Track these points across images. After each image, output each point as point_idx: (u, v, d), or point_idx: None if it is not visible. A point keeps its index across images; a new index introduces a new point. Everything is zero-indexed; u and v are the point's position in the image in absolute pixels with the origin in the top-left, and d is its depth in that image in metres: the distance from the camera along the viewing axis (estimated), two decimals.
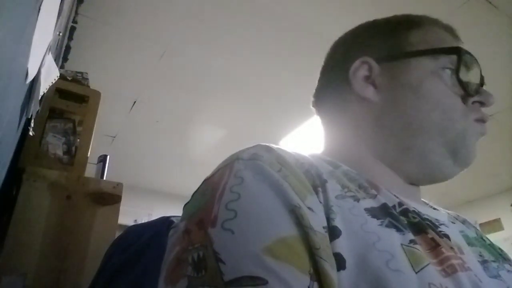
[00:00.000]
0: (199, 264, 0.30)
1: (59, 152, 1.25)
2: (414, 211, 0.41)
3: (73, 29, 2.05)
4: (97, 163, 1.39)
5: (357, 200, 0.38)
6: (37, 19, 0.77)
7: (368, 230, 0.34)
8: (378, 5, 1.96)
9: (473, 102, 0.47)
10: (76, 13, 1.99)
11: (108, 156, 1.41)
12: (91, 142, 1.31)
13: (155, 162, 3.66)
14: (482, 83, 0.49)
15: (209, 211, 0.33)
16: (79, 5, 1.95)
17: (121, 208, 1.18)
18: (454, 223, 0.48)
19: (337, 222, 0.34)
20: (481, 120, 0.48)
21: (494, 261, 0.43)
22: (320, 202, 0.35)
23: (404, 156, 0.47)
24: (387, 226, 0.36)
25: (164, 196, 4.23)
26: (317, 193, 0.36)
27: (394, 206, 0.40)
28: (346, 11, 2.05)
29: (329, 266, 0.30)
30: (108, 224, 1.14)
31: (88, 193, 1.15)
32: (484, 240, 0.49)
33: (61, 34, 1.50)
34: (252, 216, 0.31)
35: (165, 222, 0.68)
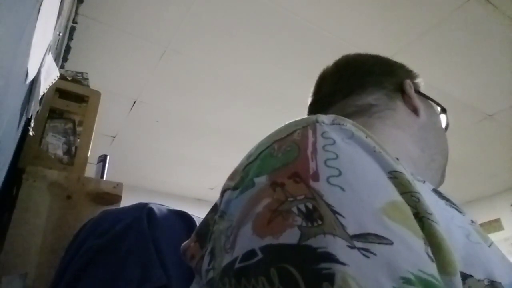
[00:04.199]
0: (311, 215, 0.28)
1: (59, 152, 1.25)
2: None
3: (73, 29, 2.05)
4: (97, 163, 1.39)
5: (419, 180, 0.39)
6: (37, 19, 0.77)
7: (442, 207, 0.37)
8: (380, 7, 1.96)
9: None
10: (76, 13, 1.99)
11: (108, 156, 1.41)
12: (91, 142, 1.31)
13: (155, 162, 3.66)
14: None
15: (304, 166, 0.32)
16: (79, 5, 1.95)
17: None
18: None
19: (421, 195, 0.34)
20: None
21: None
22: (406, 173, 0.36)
23: (429, 165, 0.57)
24: (450, 206, 0.39)
25: (164, 196, 4.23)
26: (400, 164, 0.36)
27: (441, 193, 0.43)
28: (348, 13, 2.05)
29: (443, 231, 0.29)
30: None
31: (88, 193, 1.15)
32: None
33: (61, 34, 1.50)
34: (359, 176, 0.30)
35: (143, 209, 0.66)
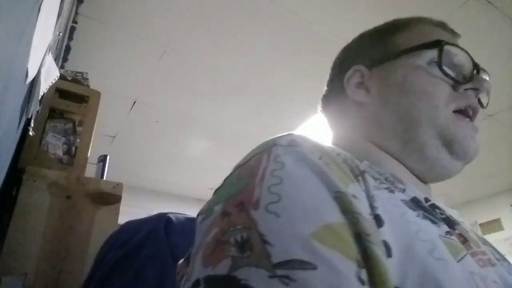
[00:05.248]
0: (243, 245, 0.29)
1: (59, 152, 1.25)
2: (439, 207, 0.42)
3: (73, 29, 2.05)
4: (97, 163, 1.39)
5: (392, 191, 0.39)
6: (37, 19, 0.77)
7: (409, 220, 0.35)
8: (380, 5, 1.96)
9: (466, 89, 0.49)
10: (76, 13, 1.99)
11: (108, 156, 1.41)
12: (91, 142, 1.31)
13: (155, 162, 3.66)
14: (477, 69, 0.50)
15: (250, 194, 0.33)
16: (79, 5, 1.95)
17: (121, 208, 1.18)
18: (464, 222, 0.49)
19: (380, 211, 0.34)
20: (466, 108, 0.48)
21: (503, 260, 0.43)
22: (363, 190, 0.35)
23: (405, 150, 0.48)
24: (423, 217, 0.37)
25: (164, 196, 4.23)
26: (358, 181, 0.36)
27: (422, 201, 0.41)
28: (347, 11, 2.05)
29: (381, 252, 0.29)
30: (108, 224, 1.14)
31: (88, 193, 1.15)
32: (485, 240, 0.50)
33: (61, 34, 1.50)
34: (297, 201, 0.31)
35: (162, 219, 0.69)
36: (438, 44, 0.49)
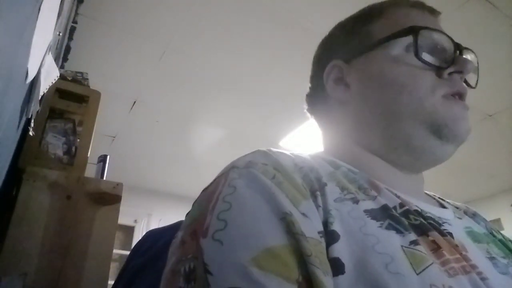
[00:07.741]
0: (189, 276, 0.30)
1: (59, 152, 1.25)
2: (416, 211, 0.40)
3: (73, 29, 2.05)
4: (97, 163, 1.39)
5: (357, 202, 0.37)
6: (37, 19, 0.77)
7: (367, 233, 0.34)
8: None
9: (451, 73, 0.46)
10: (76, 13, 1.99)
11: (108, 156, 1.41)
12: (91, 142, 1.31)
13: (155, 162, 3.66)
14: (459, 49, 0.48)
15: (202, 222, 0.33)
16: (79, 5, 1.95)
17: (121, 208, 1.18)
18: (461, 219, 0.47)
19: (336, 226, 0.34)
20: (454, 94, 0.46)
21: (503, 257, 0.41)
22: (319, 206, 0.35)
23: (390, 145, 0.46)
24: (386, 228, 0.35)
25: (164, 196, 4.23)
26: (315, 197, 0.36)
27: (395, 207, 0.39)
28: (346, 11, 2.04)
29: (321, 273, 0.29)
30: (108, 224, 1.14)
31: (88, 193, 1.14)
32: (494, 236, 0.48)
33: (61, 34, 1.50)
34: (241, 226, 0.31)
35: None
36: (412, 31, 0.46)
